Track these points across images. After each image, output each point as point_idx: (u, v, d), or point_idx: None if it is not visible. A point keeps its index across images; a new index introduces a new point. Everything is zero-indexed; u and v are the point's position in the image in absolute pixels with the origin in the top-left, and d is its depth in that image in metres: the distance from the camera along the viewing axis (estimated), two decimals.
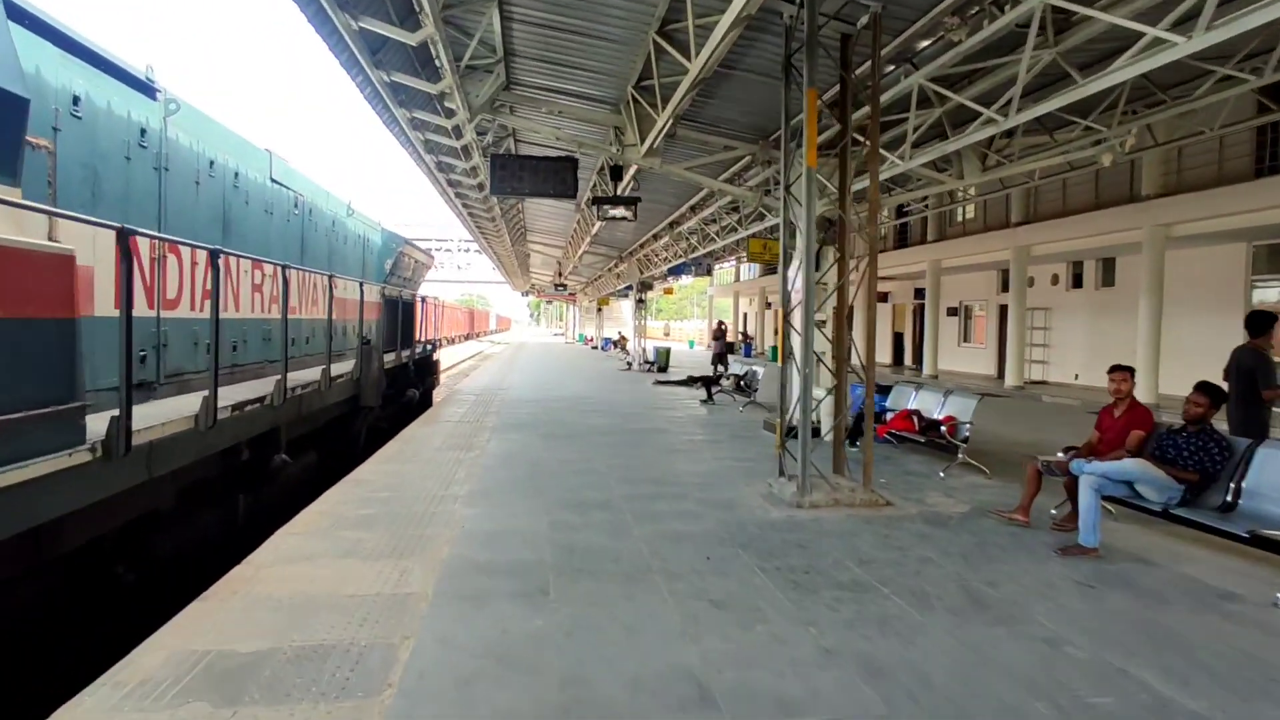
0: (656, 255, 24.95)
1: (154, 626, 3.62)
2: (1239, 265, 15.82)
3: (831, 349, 7.35)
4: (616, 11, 7.31)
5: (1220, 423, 5.41)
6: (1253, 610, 4.19)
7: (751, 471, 7.71)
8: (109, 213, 4.80)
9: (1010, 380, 19.82)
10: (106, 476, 4.00)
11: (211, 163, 6.85)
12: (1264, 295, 15.33)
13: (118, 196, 5.26)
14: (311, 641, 3.46)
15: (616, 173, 11.48)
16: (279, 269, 6.83)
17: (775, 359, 31.64)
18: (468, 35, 7.99)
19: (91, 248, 4.62)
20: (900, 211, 22.57)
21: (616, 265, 30.04)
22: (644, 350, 25.99)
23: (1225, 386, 5.77)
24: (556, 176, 9.88)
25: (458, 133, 11.09)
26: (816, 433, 7.03)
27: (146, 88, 5.70)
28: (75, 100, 4.75)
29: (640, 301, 27.46)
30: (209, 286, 5.23)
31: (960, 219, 23.79)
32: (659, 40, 7.46)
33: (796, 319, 6.74)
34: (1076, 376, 20.31)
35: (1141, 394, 6.08)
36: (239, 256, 6.88)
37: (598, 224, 17.81)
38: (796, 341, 6.68)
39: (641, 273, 27.16)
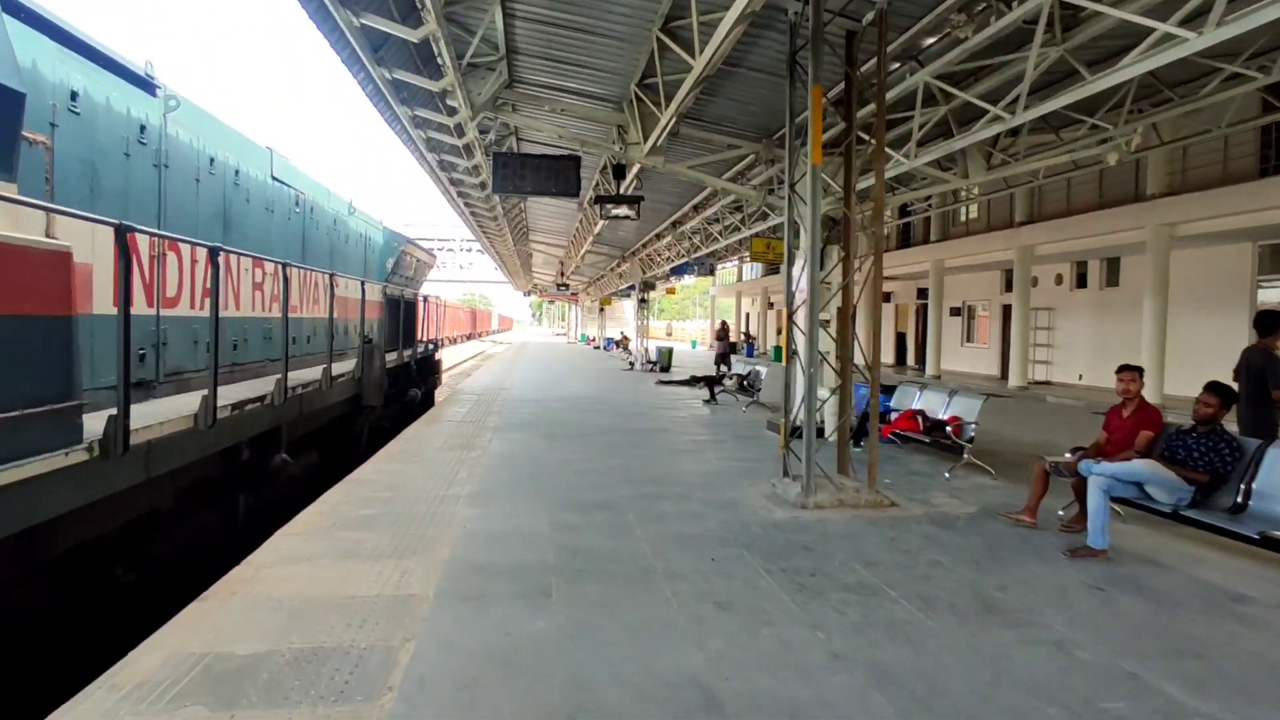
0: (659, 255, 24.90)
1: (153, 627, 3.57)
2: (1245, 265, 15.74)
3: (835, 348, 7.30)
4: (620, 8, 7.26)
5: (1230, 423, 5.34)
6: (1265, 612, 4.13)
7: (755, 472, 7.65)
8: (108, 210, 4.76)
9: (1014, 381, 19.75)
10: (104, 476, 3.95)
11: (212, 160, 6.80)
12: (1270, 295, 15.25)
13: (117, 193, 5.21)
14: (311, 644, 3.41)
15: (619, 171, 11.43)
16: (279, 267, 6.78)
17: (777, 359, 31.61)
18: (470, 32, 7.94)
19: (90, 245, 4.57)
20: (903, 211, 22.53)
21: (619, 265, 30.00)
22: (646, 350, 25.93)
23: (1235, 387, 5.70)
24: (559, 175, 9.82)
25: (460, 131, 11.04)
26: (820, 433, 6.98)
27: (146, 84, 5.65)
28: (73, 96, 4.70)
29: (643, 301, 27.40)
30: (209, 284, 5.18)
31: (964, 219, 23.71)
32: (662, 37, 7.40)
33: (801, 318, 6.68)
34: (1080, 377, 20.22)
35: (1146, 395, 6.02)
36: (239, 254, 6.83)
37: (600, 223, 17.76)
38: (801, 341, 6.62)
39: (644, 272, 27.11)
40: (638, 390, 17.38)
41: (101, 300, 4.75)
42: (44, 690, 3.91)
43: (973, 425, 7.91)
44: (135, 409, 4.87)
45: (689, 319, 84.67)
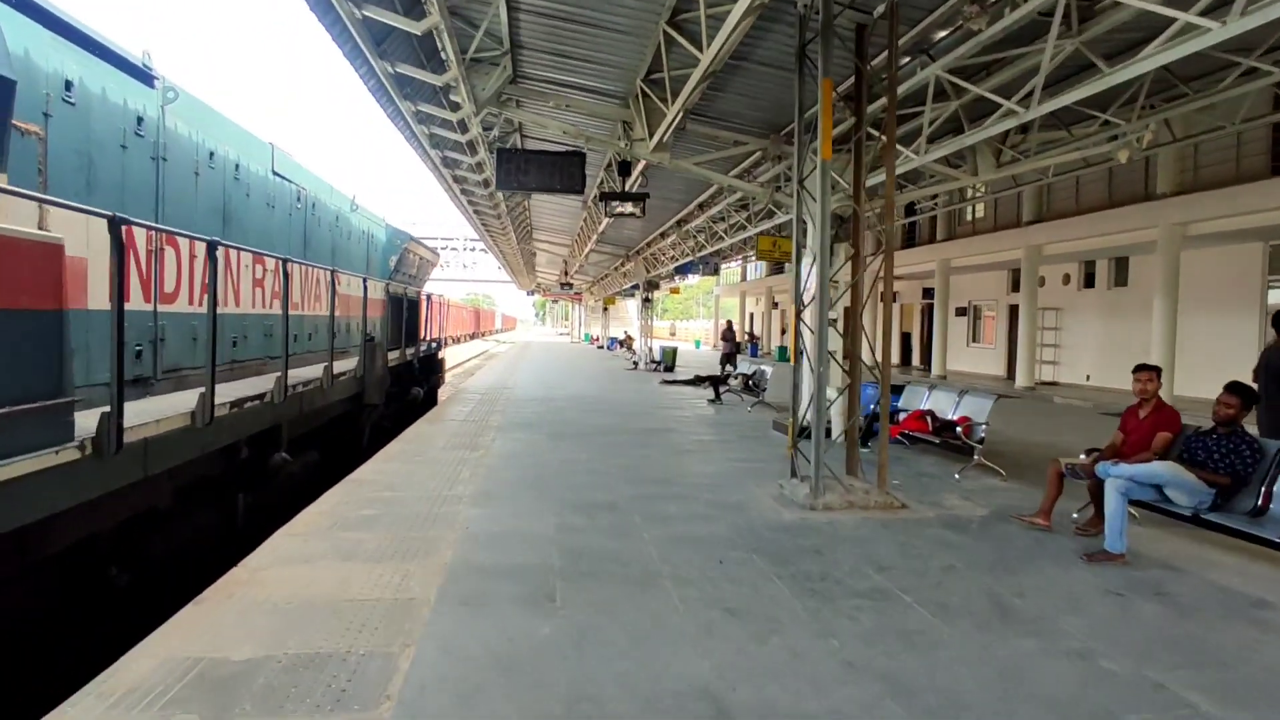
0: (663, 254, 24.77)
1: (149, 629, 3.48)
2: (1255, 265, 15.57)
3: (843, 347, 7.18)
4: (626, 1, 7.14)
5: (1250, 424, 5.22)
6: None
7: (761, 472, 7.54)
8: (104, 203, 4.64)
9: (1021, 381, 19.61)
10: (97, 475, 3.85)
11: (211, 154, 6.70)
12: None
13: (113, 186, 5.11)
14: (308, 649, 3.31)
15: (625, 168, 11.31)
16: (280, 263, 6.68)
17: (782, 359, 31.48)
18: (474, 26, 7.83)
19: (85, 238, 4.47)
20: (909, 210, 22.35)
21: (623, 264, 29.88)
22: (650, 350, 25.82)
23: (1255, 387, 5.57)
24: (563, 171, 9.71)
25: (463, 127, 10.93)
26: (827, 433, 6.86)
27: (144, 75, 5.55)
28: (68, 85, 4.60)
29: (646, 301, 27.30)
30: (207, 280, 5.08)
31: (970, 218, 23.55)
32: (669, 31, 7.29)
33: (809, 317, 6.56)
34: (1088, 377, 20.07)
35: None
36: (239, 250, 6.73)
37: (604, 222, 17.65)
38: (809, 339, 6.50)
39: (648, 272, 26.99)
40: (642, 390, 17.27)
41: (97, 295, 4.65)
42: (38, 693, 3.82)
43: (983, 426, 7.78)
44: (132, 406, 4.78)
45: (692, 319, 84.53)
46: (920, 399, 9.13)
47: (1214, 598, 4.30)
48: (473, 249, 54.89)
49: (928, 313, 26.88)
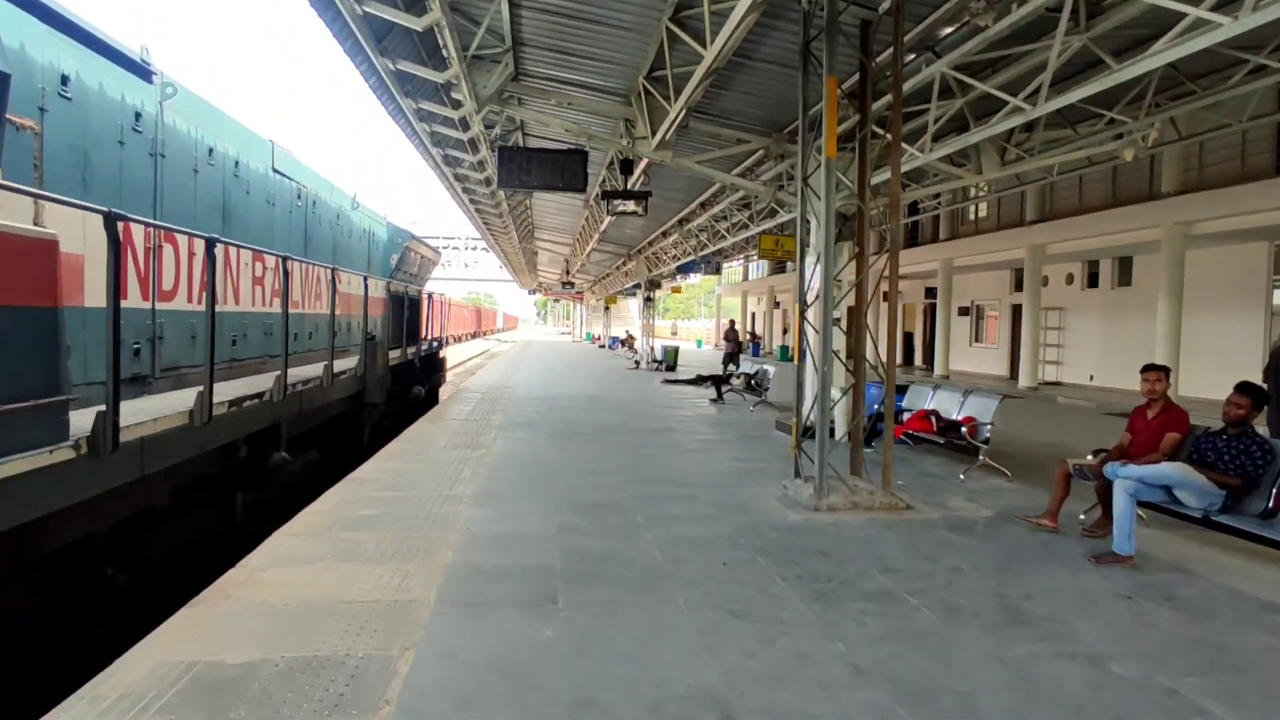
0: (665, 253, 24.71)
1: (145, 631, 3.42)
2: (1260, 265, 15.50)
3: (847, 346, 7.12)
4: None
5: (1260, 425, 5.16)
6: None
7: (765, 473, 7.48)
8: (101, 200, 4.58)
9: (1024, 381, 19.54)
10: (93, 474, 3.79)
11: (211, 150, 6.64)
12: None
13: (110, 183, 5.06)
14: (305, 653, 3.25)
15: (627, 166, 11.24)
16: (280, 260, 6.62)
17: (784, 358, 31.41)
18: (475, 23, 7.77)
19: (81, 235, 4.41)
20: (912, 209, 22.27)
21: (624, 263, 29.82)
22: (652, 349, 25.76)
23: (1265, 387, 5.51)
24: (566, 169, 9.65)
25: (464, 125, 10.88)
26: (831, 433, 6.79)
27: (142, 70, 5.48)
28: (64, 80, 4.54)
29: (648, 300, 27.24)
30: (206, 277, 5.02)
31: (973, 217, 23.49)
32: (672, 27, 7.22)
33: (813, 315, 6.50)
34: (1091, 378, 20.00)
35: None
36: (238, 247, 6.67)
37: (606, 220, 17.59)
38: (813, 339, 6.44)
39: (650, 271, 26.92)
40: (643, 389, 17.21)
41: (94, 293, 4.59)
42: (34, 695, 3.77)
43: (988, 426, 7.72)
44: (129, 405, 4.73)
45: (694, 318, 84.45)
46: (924, 399, 9.07)
47: (1225, 601, 4.24)
48: (474, 248, 54.91)
49: (930, 312, 26.82)
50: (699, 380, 17.46)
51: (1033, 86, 6.92)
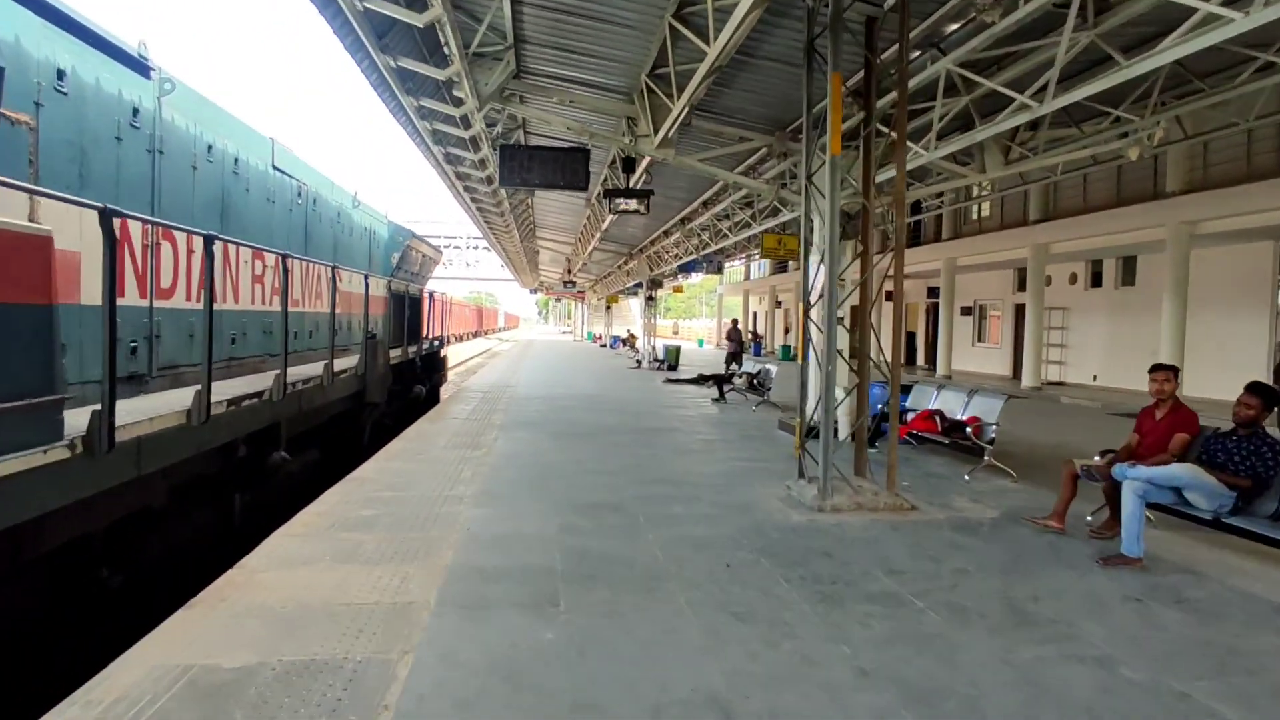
0: (667, 252, 24.66)
1: (142, 633, 3.37)
2: (1266, 265, 15.42)
3: (849, 346, 7.06)
4: None
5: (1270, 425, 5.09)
6: None
7: (768, 473, 7.42)
8: (98, 196, 4.52)
9: (1027, 381, 19.46)
10: (88, 474, 3.74)
11: (210, 147, 6.59)
12: None
13: (107, 179, 5.00)
14: (303, 656, 3.20)
15: (629, 165, 11.20)
16: (279, 258, 6.56)
17: (785, 357, 31.35)
18: (476, 20, 7.72)
19: (78, 232, 4.37)
20: (915, 209, 22.21)
21: (626, 262, 29.77)
22: (653, 348, 25.71)
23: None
24: (567, 167, 9.60)
25: (466, 122, 10.83)
26: (834, 433, 6.73)
27: (139, 65, 5.43)
28: (60, 74, 4.48)
29: (650, 299, 27.18)
30: (204, 275, 4.97)
31: (976, 216, 23.41)
32: (675, 24, 7.17)
33: (816, 314, 6.45)
34: (1095, 378, 19.92)
35: None
36: (238, 245, 6.61)
37: (608, 219, 17.53)
38: (817, 338, 6.38)
39: (651, 270, 26.88)
40: (645, 389, 17.16)
41: (90, 290, 4.54)
42: (28, 699, 3.72)
43: (993, 426, 7.66)
44: (126, 404, 4.68)
45: (695, 317, 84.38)
46: (929, 399, 9.01)
47: (1236, 604, 4.18)
48: (475, 247, 54.88)
49: (932, 312, 26.75)
50: (701, 380, 17.40)
51: (1040, 83, 6.87)
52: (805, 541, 5.13)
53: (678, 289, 42.31)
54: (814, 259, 6.93)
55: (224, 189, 6.97)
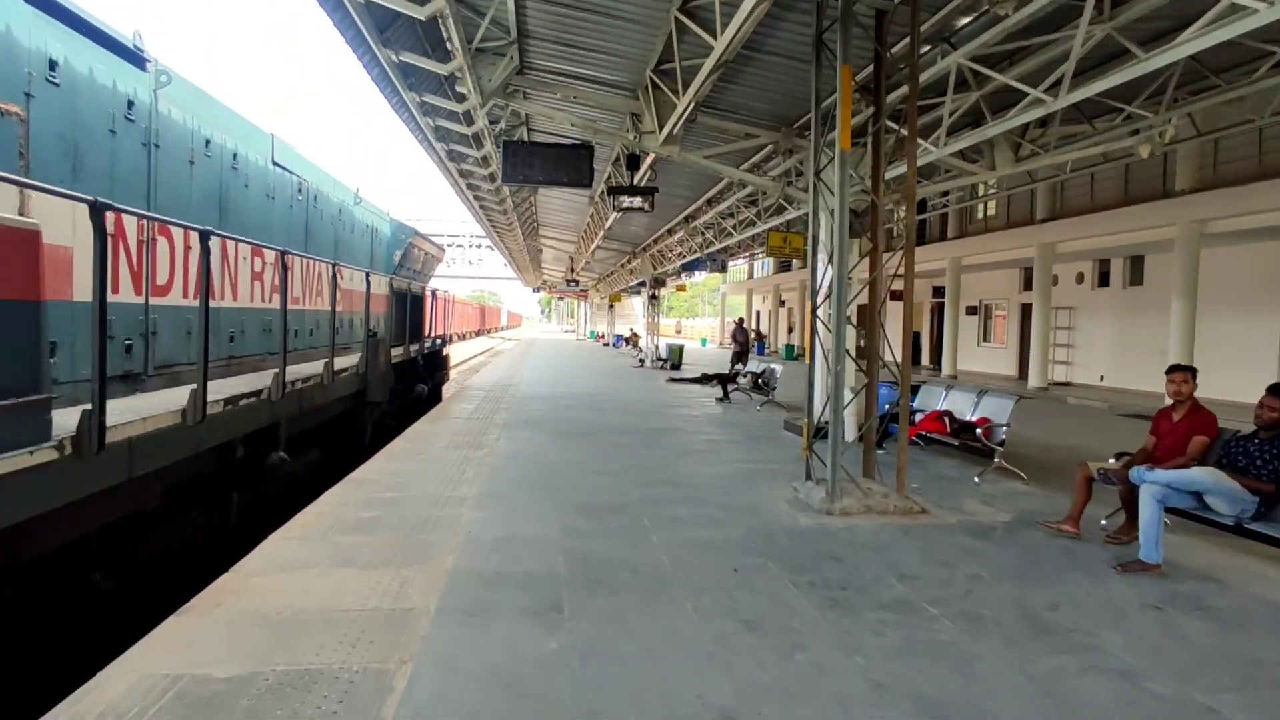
0: (670, 250, 24.54)
1: (134, 639, 3.27)
2: (1278, 264, 15.23)
3: (857, 345, 6.93)
4: None
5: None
6: None
7: (774, 474, 7.30)
8: (91, 190, 4.40)
9: (1034, 381, 19.30)
10: (78, 476, 3.63)
11: (207, 141, 6.48)
12: None
13: (101, 173, 4.89)
14: (298, 666, 3.09)
15: (633, 162, 11.08)
16: (279, 255, 6.45)
17: (789, 357, 31.20)
18: (479, 14, 7.61)
19: (70, 227, 4.26)
20: (920, 207, 22.05)
21: (629, 261, 29.65)
22: (656, 347, 25.59)
23: None
24: (571, 164, 9.48)
25: (468, 119, 10.72)
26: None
27: (135, 57, 5.32)
28: (52, 64, 4.38)
29: (653, 298, 27.06)
30: (201, 271, 4.86)
31: (982, 215, 23.24)
32: (681, 18, 7.05)
33: (824, 314, 6.32)
34: (1102, 378, 19.74)
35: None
36: (236, 241, 6.50)
37: (611, 217, 17.42)
38: (825, 337, 6.26)
39: (654, 269, 26.75)
40: (648, 388, 17.04)
41: (83, 287, 4.43)
42: (11, 712, 3.62)
43: (1004, 428, 7.52)
44: (121, 403, 4.59)
45: (698, 316, 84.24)
46: (937, 399, 8.88)
47: (1261, 613, 4.05)
48: (478, 245, 54.76)
49: (938, 311, 26.58)
50: (704, 379, 17.27)
51: (1054, 77, 6.73)
52: (814, 545, 5.01)
53: (680, 288, 42.18)
54: (822, 257, 6.81)
55: (222, 184, 6.87)
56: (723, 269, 28.17)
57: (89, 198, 3.41)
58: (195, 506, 5.49)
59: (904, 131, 6.55)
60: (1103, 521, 5.59)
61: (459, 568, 4.37)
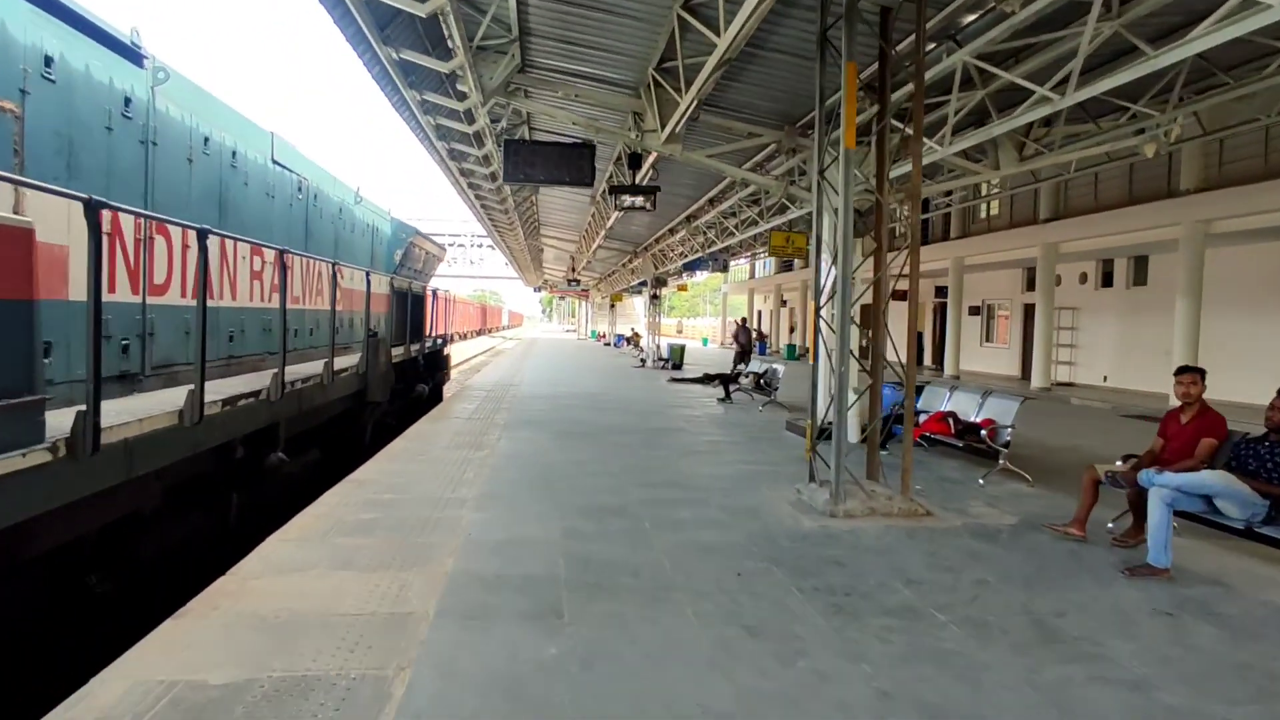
0: (672, 250, 24.48)
1: (130, 642, 3.22)
2: None
3: (860, 345, 6.88)
4: None
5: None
6: None
7: (776, 476, 7.24)
8: (87, 188, 4.36)
9: (1037, 381, 19.23)
10: (72, 478, 3.58)
11: (206, 139, 6.43)
12: None
13: (97, 171, 4.84)
14: (295, 671, 3.04)
15: (635, 161, 11.02)
16: (278, 254, 6.40)
17: (790, 357, 31.14)
18: (480, 11, 7.56)
19: (66, 225, 4.21)
20: (923, 206, 21.97)
21: (630, 260, 29.59)
22: (658, 347, 25.53)
23: None
24: (572, 163, 9.42)
25: (469, 117, 10.66)
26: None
27: (132, 53, 5.26)
28: (47, 61, 4.32)
29: (654, 298, 27.00)
30: (198, 270, 4.80)
31: (985, 215, 23.16)
32: (684, 15, 6.99)
33: (828, 313, 6.26)
34: (1105, 379, 19.67)
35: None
36: (235, 240, 6.45)
37: (613, 216, 17.36)
38: (829, 337, 6.20)
39: (656, 268, 26.69)
40: (650, 388, 16.99)
41: (80, 286, 4.38)
42: (10, 713, 3.58)
43: (1009, 429, 7.46)
44: (118, 404, 4.54)
45: (699, 316, 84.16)
46: (941, 400, 8.82)
47: (1274, 620, 3.99)
48: (480, 245, 54.69)
49: (940, 311, 26.51)
50: (706, 379, 17.21)
51: (1061, 75, 6.66)
52: (818, 549, 4.96)
53: (682, 288, 42.09)
54: (826, 256, 6.75)
55: (221, 182, 6.82)
56: (724, 269, 28.11)
57: (84, 196, 3.35)
58: (194, 507, 5.44)
59: (909, 130, 6.49)
60: (1109, 524, 5.53)
61: (459, 570, 4.32)
